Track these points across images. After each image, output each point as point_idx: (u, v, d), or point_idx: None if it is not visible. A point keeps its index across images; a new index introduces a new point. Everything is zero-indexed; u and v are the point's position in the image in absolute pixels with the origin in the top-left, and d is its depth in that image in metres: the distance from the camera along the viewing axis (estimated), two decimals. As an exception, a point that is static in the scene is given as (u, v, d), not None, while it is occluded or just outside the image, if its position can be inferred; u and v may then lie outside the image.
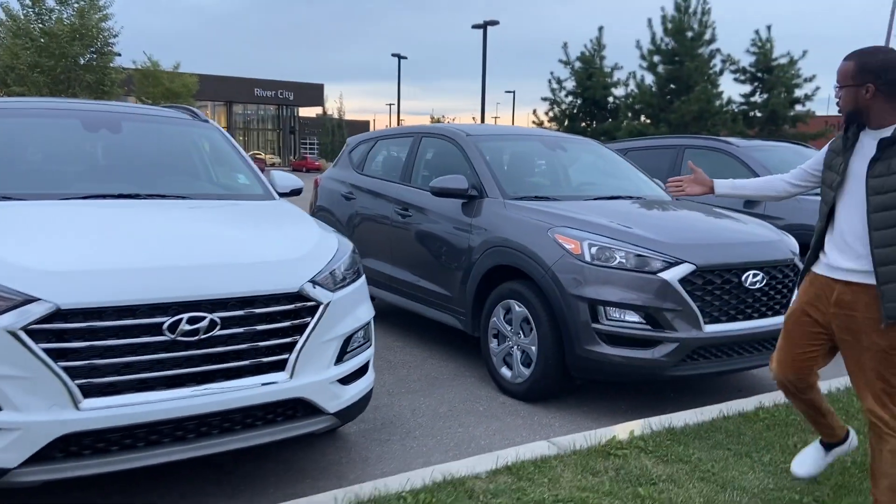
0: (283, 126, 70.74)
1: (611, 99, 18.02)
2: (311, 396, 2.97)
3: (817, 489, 3.10)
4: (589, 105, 17.98)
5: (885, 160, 2.57)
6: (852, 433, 3.21)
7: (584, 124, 18.17)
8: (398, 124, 51.98)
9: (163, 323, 2.62)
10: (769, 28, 17.83)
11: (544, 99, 18.32)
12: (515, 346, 4.45)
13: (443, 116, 60.42)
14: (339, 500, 2.77)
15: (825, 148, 2.92)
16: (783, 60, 17.68)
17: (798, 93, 17.97)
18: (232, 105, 65.44)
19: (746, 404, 4.06)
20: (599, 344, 4.01)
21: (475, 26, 31.13)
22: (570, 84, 18.20)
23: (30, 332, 2.44)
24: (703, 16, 16.75)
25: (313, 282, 3.00)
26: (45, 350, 2.46)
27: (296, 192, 4.37)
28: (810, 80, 17.96)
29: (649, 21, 17.12)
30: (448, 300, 5.09)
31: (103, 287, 2.56)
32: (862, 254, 2.63)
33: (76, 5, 22.51)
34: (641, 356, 3.97)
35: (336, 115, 73.76)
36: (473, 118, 55.78)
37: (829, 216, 2.79)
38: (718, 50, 17.13)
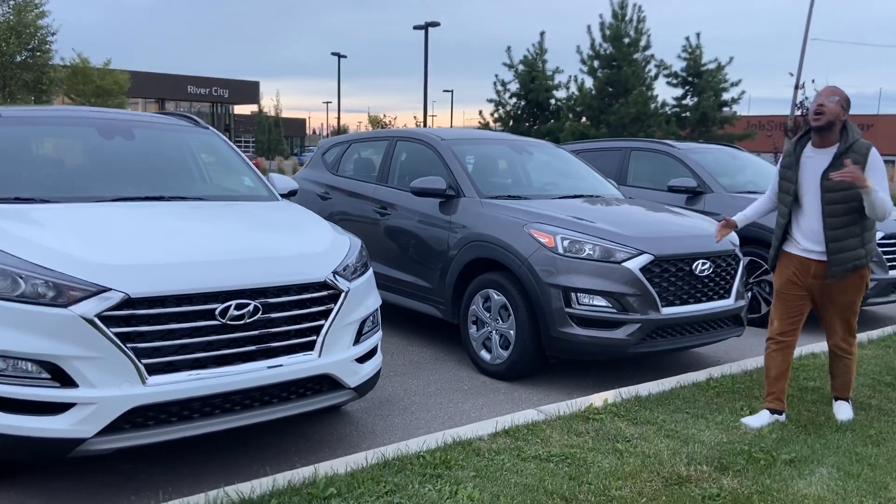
0: (218, 124, 69.22)
1: (553, 101, 18.78)
2: (336, 372, 3.38)
3: (762, 441, 3.70)
4: (532, 106, 18.70)
5: (837, 168, 3.68)
6: (784, 415, 4.08)
7: (527, 125, 18.89)
8: (338, 123, 51.93)
9: (215, 309, 3.00)
10: (698, 35, 18.96)
11: (490, 100, 18.96)
12: (494, 331, 4.94)
13: (384, 115, 60.56)
14: (370, 458, 3.21)
15: (778, 166, 4.01)
16: (712, 66, 18.80)
17: (725, 96, 19.14)
18: (164, 102, 63.85)
19: (698, 376, 4.67)
20: (572, 326, 4.55)
21: (417, 27, 31.52)
22: (514, 86, 18.90)
23: (103, 319, 2.79)
24: (639, 23, 17.68)
25: (335, 272, 3.42)
26: (116, 334, 2.81)
27: (293, 193, 4.74)
28: (736, 84, 19.17)
29: (588, 28, 17.97)
30: (428, 291, 5.54)
31: (165, 278, 2.92)
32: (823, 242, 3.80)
33: (12, 3, 21.85)
34: (608, 336, 4.53)
35: (273, 113, 72.84)
36: (415, 117, 56.28)
37: (789, 214, 3.94)
38: (653, 56, 18.11)
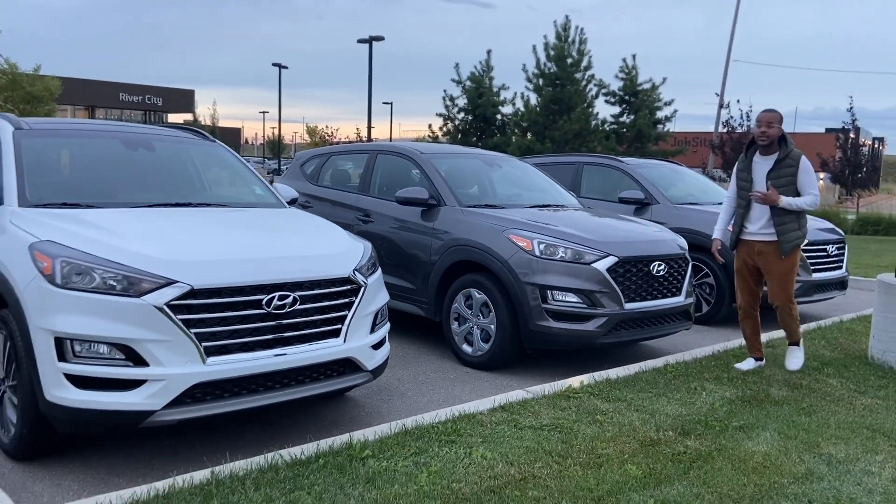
0: (152, 133, 67.63)
1: (499, 116, 19.59)
2: (357, 356, 3.87)
3: (715, 413, 4.36)
4: (480, 121, 19.45)
5: (777, 170, 5.02)
6: (763, 360, 5.47)
7: (474, 139, 19.61)
8: (279, 134, 51.76)
9: (262, 299, 3.46)
10: (634, 56, 20.14)
11: (439, 115, 19.63)
12: (476, 326, 5.49)
13: (326, 126, 60.51)
14: (393, 428, 3.71)
15: (735, 170, 5.24)
16: (646, 86, 19.98)
17: (659, 114, 20.35)
18: (95, 110, 62.17)
19: (657, 363, 5.34)
20: (548, 320, 5.15)
21: (361, 41, 31.98)
22: (462, 101, 19.61)
23: (171, 307, 3.21)
24: (581, 44, 18.69)
25: (355, 269, 3.92)
26: (182, 320, 3.24)
27: (294, 201, 5.18)
28: (669, 103, 20.42)
29: (534, 47, 18.87)
30: (411, 292, 6.05)
31: (222, 272, 3.37)
32: (767, 225, 5.07)
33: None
34: (580, 328, 5.15)
35: (209, 122, 71.73)
36: (357, 129, 56.59)
37: (746, 205, 5.16)
38: (593, 75, 19.14)
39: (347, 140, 45.59)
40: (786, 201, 4.96)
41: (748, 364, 5.40)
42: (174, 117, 70.32)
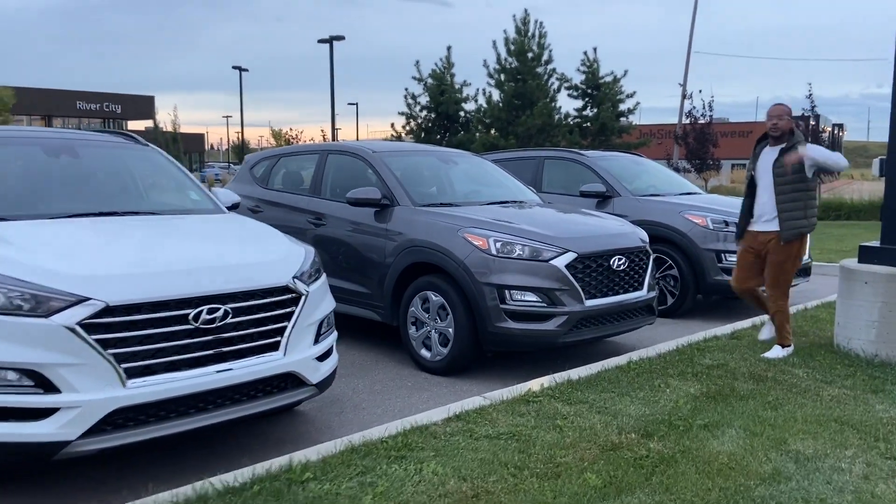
0: (112, 141, 66.17)
1: (462, 113, 19.38)
2: (299, 370, 3.63)
3: (679, 411, 4.19)
4: (443, 119, 19.22)
5: (781, 158, 5.13)
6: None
7: (438, 137, 19.38)
8: (241, 138, 51.01)
9: (188, 314, 3.19)
10: (595, 50, 20.05)
11: (401, 113, 19.35)
12: (433, 330, 5.27)
13: (290, 129, 59.42)
14: (338, 446, 3.47)
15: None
16: (608, 79, 19.92)
17: (622, 107, 20.30)
18: (51, 119, 60.77)
19: (620, 360, 5.16)
20: (506, 321, 4.94)
21: (321, 41, 31.56)
22: (424, 99, 19.36)
23: (84, 326, 2.94)
24: (541, 38, 18.55)
25: (295, 277, 3.67)
26: (97, 340, 2.96)
27: (235, 206, 4.91)
28: (631, 95, 20.38)
29: (494, 43, 18.69)
30: (366, 297, 5.81)
31: (140, 287, 3.09)
32: (772, 217, 5.20)
33: None
34: (540, 328, 4.95)
35: (171, 129, 70.56)
36: (322, 130, 55.97)
37: (751, 195, 5.34)
38: (554, 69, 19.01)
39: (311, 141, 45.04)
40: (810, 153, 5.03)
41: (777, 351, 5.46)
42: (134, 124, 68.95)
